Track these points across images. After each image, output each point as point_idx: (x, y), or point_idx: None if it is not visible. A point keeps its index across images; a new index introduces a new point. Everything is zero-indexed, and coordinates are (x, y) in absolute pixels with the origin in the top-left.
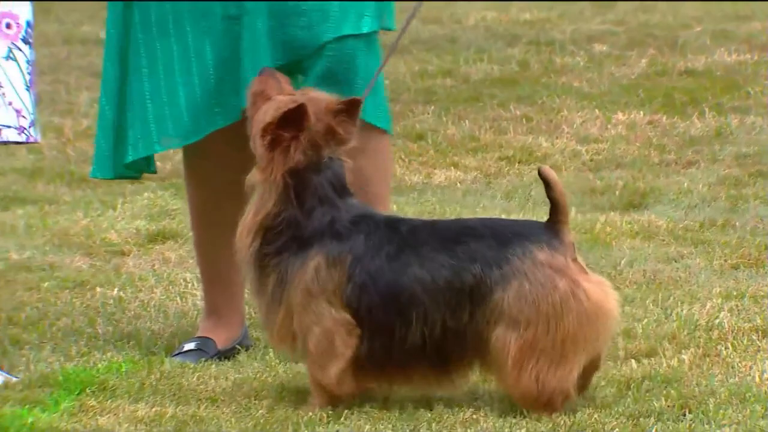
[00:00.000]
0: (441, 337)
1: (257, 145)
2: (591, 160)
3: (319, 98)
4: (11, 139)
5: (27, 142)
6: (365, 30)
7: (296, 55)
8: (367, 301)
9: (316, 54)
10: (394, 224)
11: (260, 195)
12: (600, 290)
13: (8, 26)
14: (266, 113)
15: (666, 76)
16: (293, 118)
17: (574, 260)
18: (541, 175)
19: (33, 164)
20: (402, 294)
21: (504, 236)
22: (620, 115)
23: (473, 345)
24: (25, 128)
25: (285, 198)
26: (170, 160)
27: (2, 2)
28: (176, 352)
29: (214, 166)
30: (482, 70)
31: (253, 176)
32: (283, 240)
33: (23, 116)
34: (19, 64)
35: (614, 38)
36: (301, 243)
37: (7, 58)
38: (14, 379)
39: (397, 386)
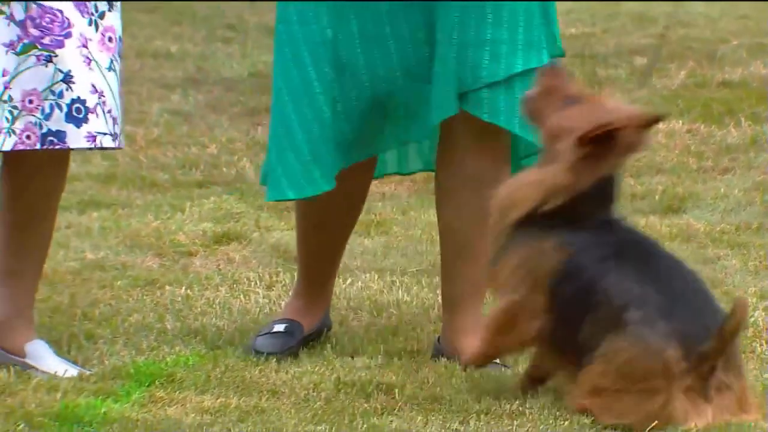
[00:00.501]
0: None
1: (568, 151)
2: (632, 166)
3: (625, 110)
4: (106, 146)
5: (117, 148)
6: (544, 62)
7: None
8: (567, 292)
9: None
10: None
11: (552, 179)
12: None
13: (110, 40)
14: (583, 119)
15: (704, 88)
16: (611, 135)
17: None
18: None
19: (107, 170)
20: (593, 295)
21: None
22: (660, 124)
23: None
24: (117, 134)
25: (570, 191)
26: (234, 166)
27: (107, 16)
28: (265, 331)
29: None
30: None
31: (556, 175)
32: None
33: (117, 123)
34: (117, 75)
35: (655, 52)
36: (551, 226)
37: (109, 69)
38: (88, 372)
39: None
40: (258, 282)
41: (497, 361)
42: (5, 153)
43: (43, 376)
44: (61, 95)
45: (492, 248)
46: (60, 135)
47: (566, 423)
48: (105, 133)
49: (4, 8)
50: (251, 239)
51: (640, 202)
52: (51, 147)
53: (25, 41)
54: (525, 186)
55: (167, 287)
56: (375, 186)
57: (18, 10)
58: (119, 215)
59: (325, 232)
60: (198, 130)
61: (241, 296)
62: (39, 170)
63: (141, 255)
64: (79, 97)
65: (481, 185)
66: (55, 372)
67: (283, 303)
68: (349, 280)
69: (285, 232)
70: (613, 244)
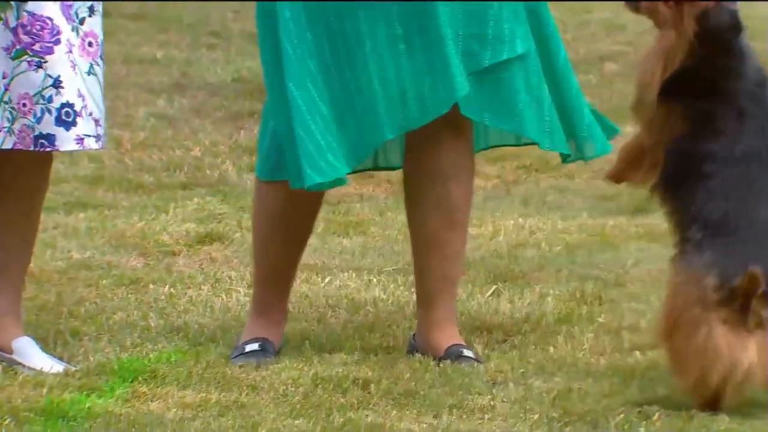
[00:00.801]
0: None
1: (665, 11)
2: (602, 169)
3: None
4: (91, 147)
5: (100, 149)
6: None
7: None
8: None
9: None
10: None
11: (663, 40)
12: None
13: (90, 44)
14: None
15: None
16: None
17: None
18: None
19: (94, 172)
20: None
21: None
22: (629, 128)
23: None
24: (100, 136)
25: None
26: (217, 168)
27: (87, 22)
28: (237, 353)
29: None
30: None
31: (662, 35)
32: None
33: (99, 125)
34: (98, 79)
35: (625, 57)
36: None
37: (89, 73)
38: (73, 368)
39: None
40: (239, 281)
41: (470, 354)
42: None
43: (29, 372)
44: (50, 100)
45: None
46: (50, 138)
47: (536, 416)
48: (90, 135)
49: (1, 14)
50: (233, 239)
51: (608, 203)
52: (42, 149)
53: (18, 47)
54: (646, 60)
55: (151, 286)
56: (353, 188)
57: (11, 17)
58: (105, 216)
59: (288, 235)
60: (182, 134)
61: (223, 294)
62: (22, 170)
63: (126, 255)
64: (68, 102)
65: (449, 180)
66: (42, 368)
67: None
68: (327, 279)
69: None
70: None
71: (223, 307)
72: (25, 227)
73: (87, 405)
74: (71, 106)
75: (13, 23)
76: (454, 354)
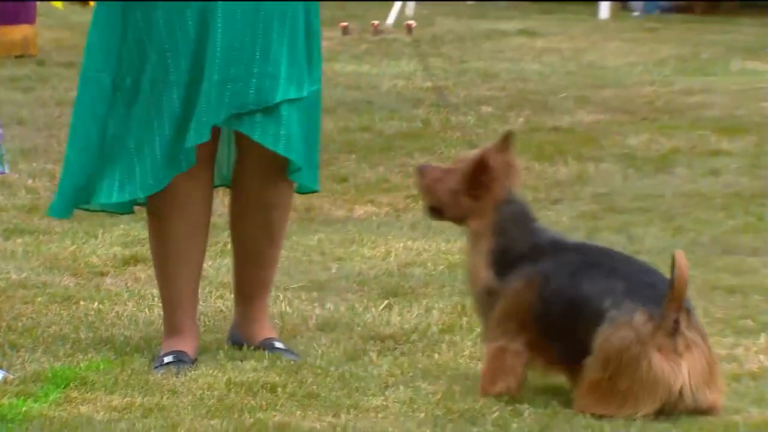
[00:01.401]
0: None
1: (466, 204)
2: None
3: (484, 148)
4: None
5: (3, 173)
6: (303, 94)
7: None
8: (554, 313)
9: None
10: (578, 247)
11: (479, 238)
12: (668, 365)
13: None
14: (455, 180)
15: (538, 132)
16: (482, 168)
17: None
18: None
19: (30, 202)
20: (578, 306)
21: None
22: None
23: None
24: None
25: (498, 231)
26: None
27: None
28: (157, 364)
29: (182, 204)
30: (393, 127)
31: (473, 225)
32: (504, 267)
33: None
34: None
35: (498, 101)
36: (510, 265)
37: None
38: (11, 377)
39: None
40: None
41: (281, 346)
42: None
43: None
44: None
45: (477, 311)
46: None
47: (422, 415)
48: None
49: None
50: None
51: None
52: None
53: None
54: (471, 262)
55: (82, 302)
56: None
57: None
58: (40, 241)
59: (188, 256)
60: None
61: (146, 310)
62: None
63: (59, 275)
64: None
65: (268, 207)
66: None
67: None
68: None
69: None
70: (571, 259)
71: (146, 320)
72: None
73: (23, 409)
74: None
75: None
76: (267, 345)
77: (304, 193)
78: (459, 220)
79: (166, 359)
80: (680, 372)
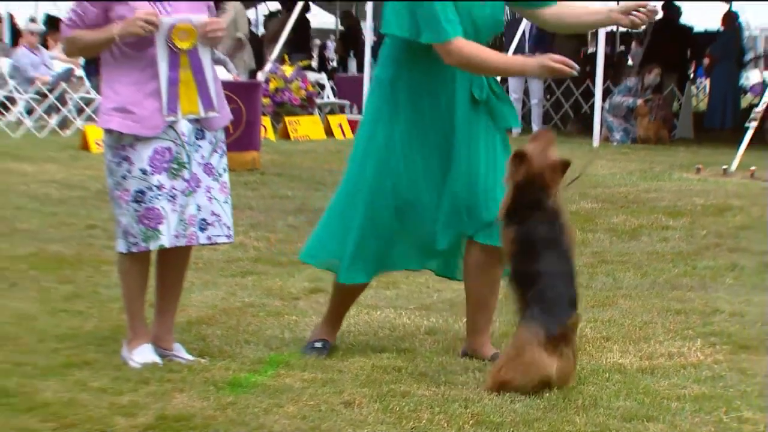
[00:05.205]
0: None
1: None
2: None
3: (547, 155)
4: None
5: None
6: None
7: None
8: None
9: None
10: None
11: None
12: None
13: None
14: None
15: None
16: (520, 157)
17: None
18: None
19: (255, 255)
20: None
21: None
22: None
23: None
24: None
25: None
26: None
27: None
28: (309, 347)
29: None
30: None
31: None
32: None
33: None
34: None
35: None
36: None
37: None
38: (203, 360)
39: None
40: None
41: (320, 345)
42: None
43: None
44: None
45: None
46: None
47: (325, 407)
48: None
49: None
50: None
51: None
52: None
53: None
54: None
55: (286, 316)
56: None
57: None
58: (262, 278)
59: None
60: None
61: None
62: None
63: (272, 299)
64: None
65: (493, 282)
66: None
67: None
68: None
69: None
70: (542, 241)
71: None
72: None
73: (252, 380)
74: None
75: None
76: (492, 358)
77: None
78: None
79: (317, 344)
80: (551, 366)
